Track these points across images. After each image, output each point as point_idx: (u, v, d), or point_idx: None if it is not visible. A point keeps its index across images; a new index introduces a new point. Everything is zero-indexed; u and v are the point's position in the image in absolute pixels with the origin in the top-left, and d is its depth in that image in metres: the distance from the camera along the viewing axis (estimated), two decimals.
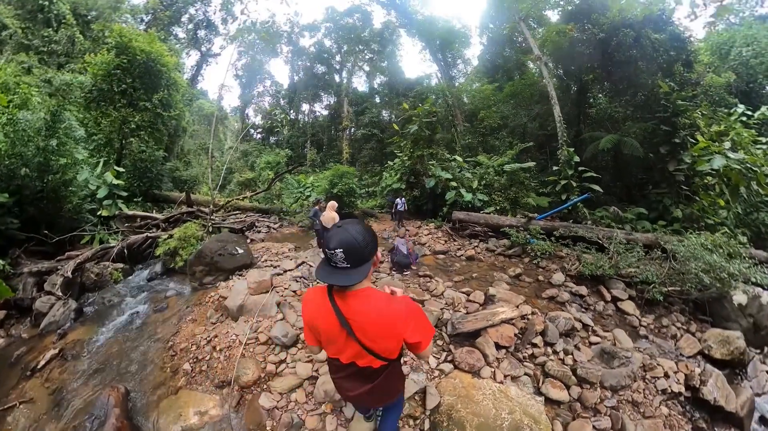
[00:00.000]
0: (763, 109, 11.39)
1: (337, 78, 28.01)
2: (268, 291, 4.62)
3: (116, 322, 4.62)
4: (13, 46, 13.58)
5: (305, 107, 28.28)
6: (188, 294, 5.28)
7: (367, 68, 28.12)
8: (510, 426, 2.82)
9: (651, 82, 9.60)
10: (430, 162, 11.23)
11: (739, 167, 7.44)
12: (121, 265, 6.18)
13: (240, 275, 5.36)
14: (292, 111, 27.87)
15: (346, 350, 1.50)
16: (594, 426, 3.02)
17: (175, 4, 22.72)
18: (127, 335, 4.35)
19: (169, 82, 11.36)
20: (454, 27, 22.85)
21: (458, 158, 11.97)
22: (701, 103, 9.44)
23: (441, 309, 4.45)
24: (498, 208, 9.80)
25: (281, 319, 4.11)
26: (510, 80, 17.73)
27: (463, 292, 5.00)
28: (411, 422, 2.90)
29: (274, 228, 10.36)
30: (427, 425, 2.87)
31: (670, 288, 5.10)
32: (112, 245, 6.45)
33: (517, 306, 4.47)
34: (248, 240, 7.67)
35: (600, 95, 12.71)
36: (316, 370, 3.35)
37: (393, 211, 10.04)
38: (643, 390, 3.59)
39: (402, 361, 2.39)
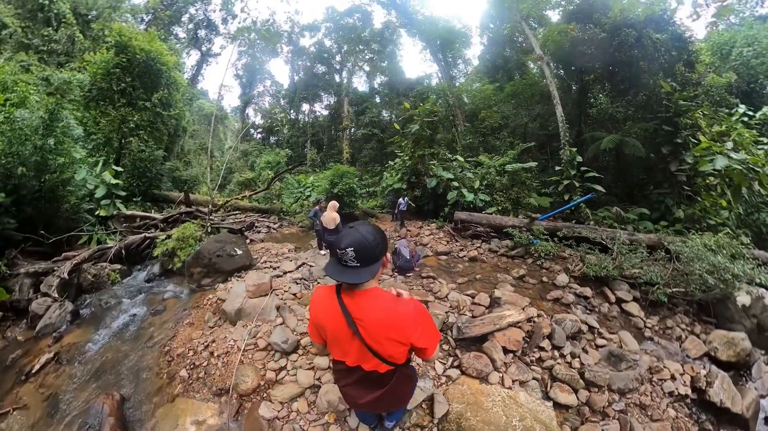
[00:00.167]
0: (765, 109, 11.38)
1: (337, 78, 27.92)
2: (267, 294, 4.51)
3: (113, 325, 4.54)
4: (13, 45, 13.47)
5: (305, 107, 28.17)
6: (186, 296, 5.20)
7: (367, 68, 28.04)
8: None
9: (652, 82, 9.55)
10: (432, 162, 11.16)
11: (741, 167, 7.41)
12: (118, 266, 6.12)
13: (239, 277, 5.27)
14: (292, 111, 27.77)
15: (351, 351, 1.48)
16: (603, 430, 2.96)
17: (175, 4, 22.64)
18: (124, 339, 4.26)
19: (168, 81, 11.26)
20: (454, 27, 22.85)
21: (459, 158, 11.89)
22: (703, 104, 9.38)
23: (446, 312, 4.35)
24: (500, 208, 9.73)
25: (281, 324, 3.99)
26: (510, 80, 17.69)
27: (467, 295, 4.92)
28: None
29: (273, 229, 10.28)
30: None
31: (674, 290, 5.07)
32: (109, 246, 6.37)
33: (523, 309, 4.40)
34: (247, 241, 7.60)
35: (601, 95, 12.63)
36: (318, 379, 3.24)
37: (395, 211, 9.96)
38: (651, 392, 3.56)
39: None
